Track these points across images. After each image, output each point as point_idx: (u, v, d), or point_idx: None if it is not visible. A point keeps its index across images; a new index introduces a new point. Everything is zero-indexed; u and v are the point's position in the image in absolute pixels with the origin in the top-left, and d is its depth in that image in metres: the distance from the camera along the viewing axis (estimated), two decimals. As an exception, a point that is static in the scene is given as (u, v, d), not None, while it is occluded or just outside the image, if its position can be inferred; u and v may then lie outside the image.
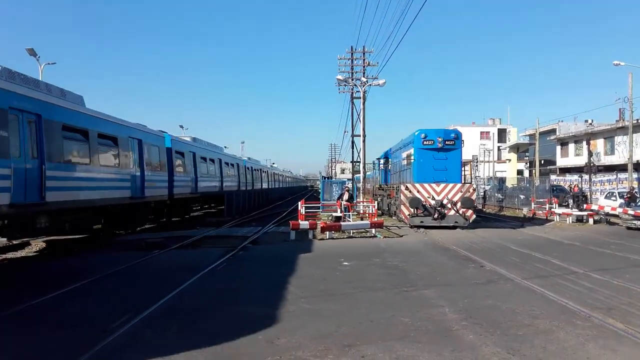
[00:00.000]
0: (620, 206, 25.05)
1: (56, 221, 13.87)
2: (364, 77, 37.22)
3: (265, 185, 51.29)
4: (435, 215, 20.92)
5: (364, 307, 8.10)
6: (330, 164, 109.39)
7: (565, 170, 48.88)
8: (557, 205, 27.67)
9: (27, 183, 11.92)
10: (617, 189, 32.03)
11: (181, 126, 50.44)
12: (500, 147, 73.63)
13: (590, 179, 33.94)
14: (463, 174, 22.80)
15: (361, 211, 25.72)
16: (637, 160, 36.11)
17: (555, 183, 39.79)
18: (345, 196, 22.26)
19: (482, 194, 40.74)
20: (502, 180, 46.41)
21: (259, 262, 13.11)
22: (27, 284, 10.39)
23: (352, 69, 39.18)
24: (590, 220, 24.51)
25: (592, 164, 32.89)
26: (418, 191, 21.13)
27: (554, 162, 53.93)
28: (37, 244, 16.13)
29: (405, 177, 23.86)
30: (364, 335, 6.63)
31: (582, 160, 41.15)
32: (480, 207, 36.22)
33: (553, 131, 54.46)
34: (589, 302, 8.38)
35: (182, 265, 12.42)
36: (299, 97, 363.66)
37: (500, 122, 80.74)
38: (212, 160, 31.07)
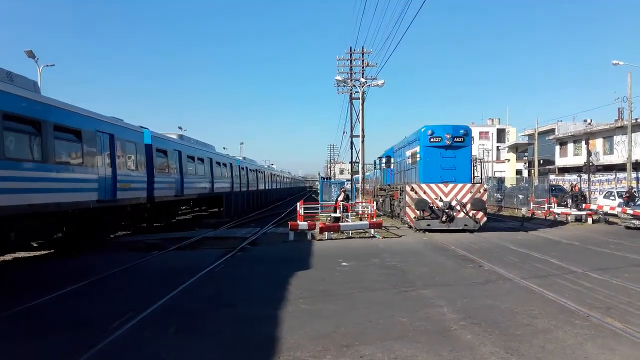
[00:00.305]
0: (619, 205, 25.05)
1: None
2: (362, 77, 37.24)
3: (262, 186, 49.77)
4: (444, 218, 19.53)
5: (362, 308, 8.10)
6: (329, 165, 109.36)
7: (564, 170, 48.91)
8: (555, 204, 27.70)
9: None
10: (616, 188, 32.06)
11: (180, 127, 50.33)
12: (499, 147, 73.74)
13: (589, 179, 33.97)
14: (473, 173, 21.36)
15: (360, 212, 25.70)
16: (636, 160, 36.14)
17: (554, 183, 39.82)
18: (341, 196, 22.12)
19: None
20: (501, 180, 46.44)
21: (257, 263, 13.09)
22: (26, 284, 10.35)
23: (351, 69, 39.20)
24: (589, 220, 24.54)
25: (591, 164, 32.91)
26: (424, 192, 19.72)
27: (552, 162, 53.97)
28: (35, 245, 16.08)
29: (410, 177, 22.45)
30: (362, 335, 6.62)
31: (581, 160, 41.18)
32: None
33: (552, 131, 54.51)
34: (587, 301, 8.38)
35: (180, 266, 12.41)
36: (298, 98, 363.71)
37: (499, 122, 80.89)
38: (201, 160, 28.77)
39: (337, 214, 20.82)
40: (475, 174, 21.60)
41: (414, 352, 5.94)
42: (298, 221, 19.02)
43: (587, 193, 31.01)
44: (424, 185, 19.91)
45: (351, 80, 38.40)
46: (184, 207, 29.98)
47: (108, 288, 10.07)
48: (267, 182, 54.63)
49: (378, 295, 9.10)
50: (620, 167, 36.92)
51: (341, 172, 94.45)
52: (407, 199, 20.09)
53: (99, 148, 15.90)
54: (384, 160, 30.80)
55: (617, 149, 42.54)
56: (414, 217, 19.79)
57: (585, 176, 34.23)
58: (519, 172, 65.10)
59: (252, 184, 44.71)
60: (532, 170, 52.82)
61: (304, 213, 20.20)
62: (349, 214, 22.63)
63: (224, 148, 40.57)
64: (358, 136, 36.09)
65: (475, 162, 21.92)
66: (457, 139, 20.31)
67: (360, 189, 34.74)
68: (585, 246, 16.08)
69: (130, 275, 11.45)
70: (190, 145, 27.41)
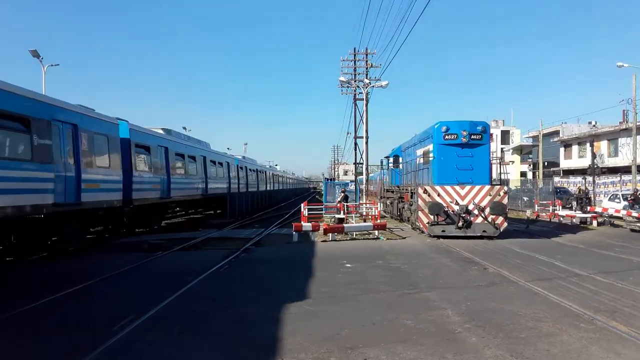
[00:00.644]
0: (624, 208, 24.97)
1: None
2: (366, 78, 37.20)
3: (263, 187, 48.09)
4: (460, 224, 17.89)
5: (366, 309, 8.09)
6: (333, 166, 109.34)
7: (568, 172, 48.72)
8: (560, 207, 27.61)
9: None
10: (621, 191, 31.91)
11: (184, 127, 50.43)
12: (504, 149, 73.52)
13: (593, 181, 33.84)
14: (491, 173, 19.85)
15: (364, 213, 25.67)
16: (641, 162, 35.95)
17: (558, 185, 39.70)
18: (339, 197, 22.07)
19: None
20: (505, 182, 46.23)
21: (261, 264, 13.10)
22: (29, 285, 10.39)
23: (354, 70, 39.19)
24: (594, 223, 24.43)
25: (595, 166, 32.79)
26: (439, 194, 18.11)
27: (557, 164, 53.78)
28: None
29: (422, 177, 20.67)
30: (366, 337, 6.61)
31: (585, 162, 41.03)
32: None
33: (556, 133, 54.33)
34: (592, 304, 8.34)
35: (185, 267, 12.43)
36: (302, 99, 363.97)
37: (504, 123, 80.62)
38: (193, 158, 26.01)
39: (341, 215, 20.82)
40: (493, 176, 20.33)
41: (417, 355, 5.93)
42: (302, 222, 19.01)
43: (592, 196, 30.90)
44: (438, 187, 18.35)
45: (355, 81, 38.39)
46: (177, 209, 28.26)
47: (113, 289, 10.09)
48: (269, 182, 53.09)
49: (382, 297, 9.09)
50: (625, 170, 36.73)
51: (345, 173, 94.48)
52: (420, 202, 18.44)
53: (57, 141, 13.21)
54: (391, 160, 29.04)
55: (622, 151, 42.34)
56: (427, 223, 18.24)
57: (589, 178, 34.11)
58: (523, 174, 64.87)
59: (253, 185, 42.64)
60: (537, 172, 52.65)
61: (308, 214, 20.20)
62: (353, 215, 22.65)
63: (228, 149, 40.06)
64: (362, 137, 36.04)
65: (494, 161, 20.61)
66: (475, 136, 18.67)
67: (364, 191, 34.66)
68: (590, 249, 16.01)
69: (135, 276, 11.47)
70: (180, 141, 24.74)
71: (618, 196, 29.40)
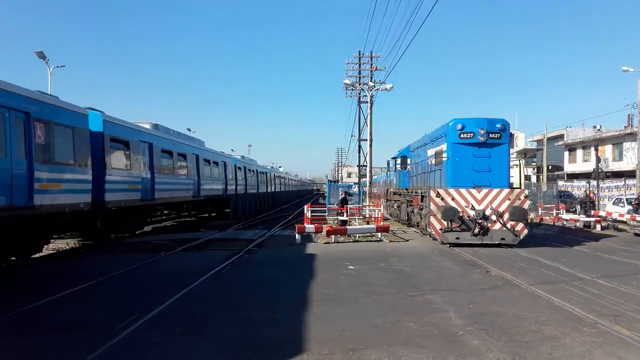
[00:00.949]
0: (628, 212, 24.87)
1: None
2: (371, 81, 37.24)
3: (264, 189, 46.68)
4: (476, 230, 16.34)
5: (369, 312, 8.08)
6: (336, 168, 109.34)
7: (573, 176, 48.57)
8: (564, 211, 27.54)
9: None
10: (625, 195, 31.81)
11: (188, 129, 50.45)
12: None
13: (598, 185, 33.73)
14: (511, 176, 18.34)
15: (367, 215, 25.67)
16: (646, 166, 35.82)
17: (562, 189, 39.59)
18: (340, 198, 22.04)
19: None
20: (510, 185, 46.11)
21: (264, 265, 13.11)
22: (32, 285, 10.40)
23: (359, 73, 39.21)
24: (598, 227, 24.34)
25: (600, 170, 32.69)
26: (453, 198, 16.56)
27: (561, 168, 53.63)
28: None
29: (433, 180, 19.22)
30: (368, 339, 6.61)
31: (590, 166, 40.91)
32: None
33: (561, 137, 54.18)
34: (595, 308, 8.31)
35: (187, 268, 12.43)
36: (305, 101, 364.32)
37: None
38: (183, 156, 23.79)
39: (344, 217, 20.84)
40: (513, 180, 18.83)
41: (420, 357, 5.93)
42: (305, 224, 19.04)
43: (596, 200, 30.80)
44: (452, 191, 16.75)
45: (359, 84, 38.42)
46: (166, 212, 26.34)
47: (115, 289, 10.11)
48: (271, 184, 51.83)
49: (384, 299, 9.08)
50: (630, 174, 36.61)
51: (349, 175, 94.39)
52: (432, 206, 16.87)
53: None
54: (398, 161, 27.26)
55: (626, 156, 42.20)
56: (440, 229, 16.67)
57: (594, 182, 34.00)
58: (527, 177, 64.63)
59: (253, 186, 40.97)
60: (541, 176, 52.51)
61: (311, 216, 20.21)
62: (356, 217, 22.67)
63: (232, 150, 39.59)
64: (366, 140, 36.10)
65: (514, 163, 18.92)
66: (493, 135, 17.06)
67: (367, 193, 34.68)
68: (594, 253, 15.96)
69: (138, 277, 11.49)
70: (168, 137, 22.58)
71: (622, 200, 29.31)
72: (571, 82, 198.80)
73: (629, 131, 41.59)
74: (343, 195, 23.02)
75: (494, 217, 16.46)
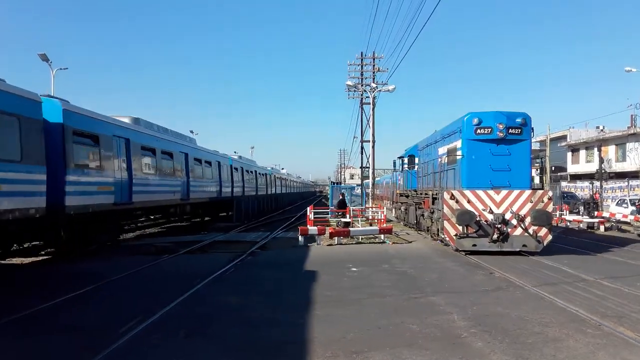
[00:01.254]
0: (631, 213, 24.82)
1: None
2: (373, 83, 37.28)
3: (264, 191, 44.82)
4: (495, 236, 14.71)
5: (372, 313, 8.09)
6: (339, 170, 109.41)
7: (576, 177, 48.47)
8: (567, 212, 27.50)
9: None
10: (629, 196, 31.73)
11: (191, 131, 50.57)
12: (510, 154, 73.04)
13: (601, 186, 33.66)
14: (533, 176, 16.82)
15: (370, 217, 25.66)
16: (649, 167, 35.76)
17: (566, 190, 39.52)
18: (338, 200, 22.01)
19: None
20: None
21: (267, 267, 13.12)
22: (35, 288, 10.44)
23: (361, 74, 39.32)
24: (602, 228, 24.29)
25: (603, 171, 32.62)
26: (469, 201, 14.95)
27: (564, 169, 53.51)
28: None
29: (446, 180, 17.35)
30: (371, 341, 6.61)
31: (593, 167, 40.76)
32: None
33: (564, 137, 54.07)
34: (599, 310, 8.30)
35: (191, 270, 12.46)
36: (307, 103, 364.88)
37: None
38: (169, 154, 21.22)
39: (347, 219, 20.84)
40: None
41: (423, 359, 5.93)
42: (308, 226, 19.04)
43: (600, 200, 30.74)
44: (467, 192, 15.11)
45: (362, 86, 38.47)
46: (152, 218, 24.17)
47: (118, 291, 10.13)
48: (271, 185, 50.69)
49: (387, 301, 9.09)
50: (633, 175, 36.53)
51: (352, 177, 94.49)
52: (446, 209, 15.29)
53: None
54: (405, 160, 25.46)
55: (629, 156, 42.08)
56: (455, 235, 15.09)
57: (597, 183, 33.93)
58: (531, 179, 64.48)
59: (251, 188, 38.97)
60: (544, 177, 52.37)
61: (314, 218, 20.21)
62: (359, 218, 22.67)
63: (234, 152, 39.05)
64: (368, 141, 36.12)
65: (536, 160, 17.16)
66: (513, 130, 15.40)
67: (370, 195, 34.68)
68: (597, 254, 15.92)
69: (141, 279, 11.52)
70: (151, 133, 19.80)
71: (625, 201, 29.24)
72: (571, 82, 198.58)
73: (632, 132, 41.48)
74: (341, 198, 22.85)
75: (514, 222, 14.88)
